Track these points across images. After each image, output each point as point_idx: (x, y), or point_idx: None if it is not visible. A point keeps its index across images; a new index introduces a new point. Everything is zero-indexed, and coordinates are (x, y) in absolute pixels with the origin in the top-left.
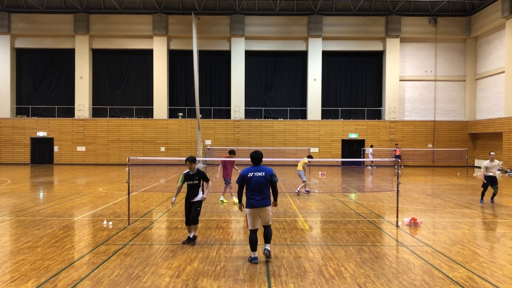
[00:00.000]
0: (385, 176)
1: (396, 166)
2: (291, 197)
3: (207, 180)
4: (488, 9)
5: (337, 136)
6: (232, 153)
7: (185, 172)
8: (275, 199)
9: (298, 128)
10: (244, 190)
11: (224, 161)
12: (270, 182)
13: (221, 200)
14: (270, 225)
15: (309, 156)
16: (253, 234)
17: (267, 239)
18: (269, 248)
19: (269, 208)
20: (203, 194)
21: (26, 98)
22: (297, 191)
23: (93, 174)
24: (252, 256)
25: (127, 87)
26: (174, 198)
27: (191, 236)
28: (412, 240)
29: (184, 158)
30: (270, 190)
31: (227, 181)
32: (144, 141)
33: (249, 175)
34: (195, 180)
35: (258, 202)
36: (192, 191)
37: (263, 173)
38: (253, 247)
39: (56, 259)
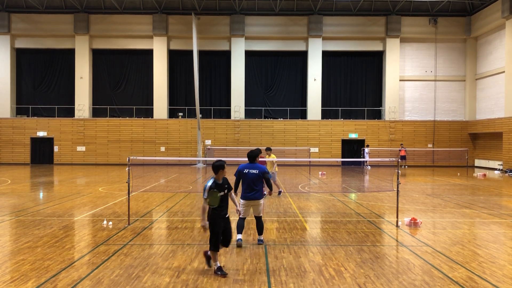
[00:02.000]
0: (385, 176)
1: (400, 166)
2: (291, 197)
3: (231, 187)
4: (488, 9)
5: (337, 136)
6: (268, 150)
7: (211, 183)
8: (270, 189)
9: (298, 128)
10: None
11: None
12: (263, 178)
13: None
14: (261, 216)
15: (267, 149)
16: (241, 220)
17: (260, 231)
18: (261, 238)
19: (261, 201)
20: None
21: (26, 98)
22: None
23: (93, 174)
24: (238, 237)
25: (127, 87)
26: (206, 222)
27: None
28: (412, 240)
29: (185, 158)
30: (264, 185)
31: None
32: (144, 141)
33: (244, 171)
34: (224, 189)
35: (250, 195)
36: (224, 204)
37: (257, 170)
38: (239, 231)
39: (56, 259)
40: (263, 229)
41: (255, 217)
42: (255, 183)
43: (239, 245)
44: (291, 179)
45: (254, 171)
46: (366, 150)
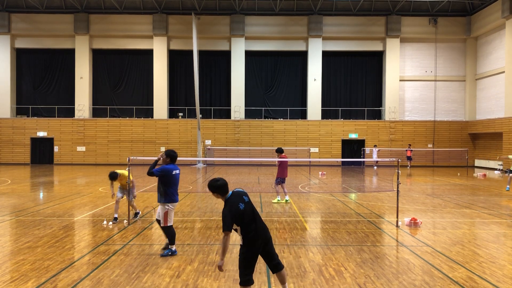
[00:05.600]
0: (385, 176)
1: (406, 167)
2: (291, 197)
3: None
4: (488, 9)
5: (337, 136)
6: (279, 151)
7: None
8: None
9: (298, 128)
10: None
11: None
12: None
13: (278, 200)
14: None
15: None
16: (172, 228)
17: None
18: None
19: None
20: None
21: (26, 98)
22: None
23: (93, 174)
24: (173, 249)
25: (127, 87)
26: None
27: None
28: (412, 240)
29: (185, 158)
30: None
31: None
32: (144, 141)
33: (173, 172)
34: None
35: (178, 197)
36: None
37: (178, 170)
38: (173, 240)
39: (56, 259)
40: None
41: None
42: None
43: (175, 254)
44: (291, 179)
45: (178, 172)
46: (374, 149)
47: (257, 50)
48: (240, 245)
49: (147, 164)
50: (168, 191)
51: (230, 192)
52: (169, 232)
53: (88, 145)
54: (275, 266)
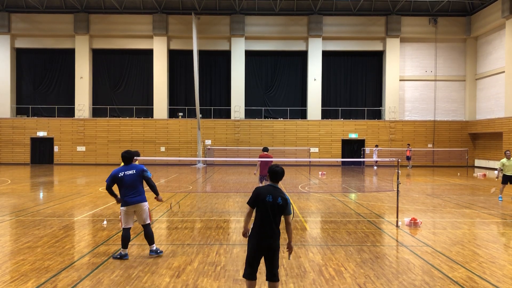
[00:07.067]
0: (385, 176)
1: (405, 166)
2: (291, 197)
3: None
4: (488, 9)
5: (337, 136)
6: (265, 150)
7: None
8: (157, 194)
9: (298, 128)
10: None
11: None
12: (143, 178)
13: None
14: (148, 223)
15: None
16: (126, 231)
17: (151, 240)
18: (155, 248)
19: (144, 204)
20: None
21: (26, 98)
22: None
23: (93, 174)
24: (123, 253)
25: (127, 87)
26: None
27: None
28: (412, 240)
29: (185, 158)
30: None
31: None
32: (144, 141)
33: (119, 175)
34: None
35: (132, 199)
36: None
37: (134, 170)
38: (125, 245)
39: (56, 259)
40: (153, 237)
41: (142, 226)
42: (135, 184)
43: (125, 258)
44: (291, 179)
45: (131, 172)
46: (375, 149)
47: (257, 50)
48: (248, 236)
49: (147, 164)
50: (120, 194)
51: (277, 184)
52: (122, 234)
53: (88, 145)
54: (271, 276)
